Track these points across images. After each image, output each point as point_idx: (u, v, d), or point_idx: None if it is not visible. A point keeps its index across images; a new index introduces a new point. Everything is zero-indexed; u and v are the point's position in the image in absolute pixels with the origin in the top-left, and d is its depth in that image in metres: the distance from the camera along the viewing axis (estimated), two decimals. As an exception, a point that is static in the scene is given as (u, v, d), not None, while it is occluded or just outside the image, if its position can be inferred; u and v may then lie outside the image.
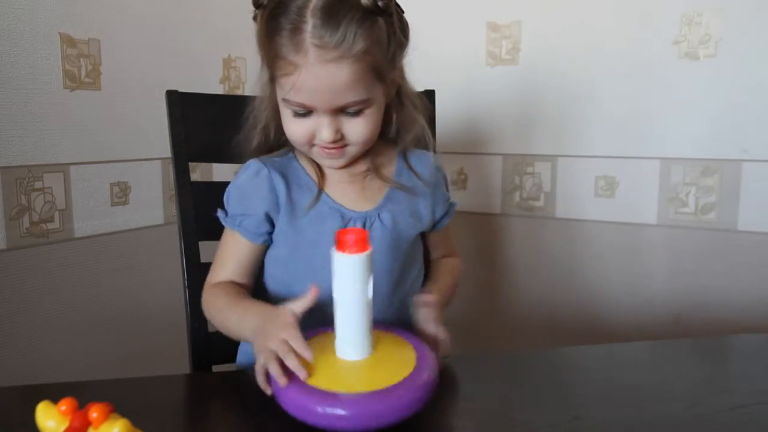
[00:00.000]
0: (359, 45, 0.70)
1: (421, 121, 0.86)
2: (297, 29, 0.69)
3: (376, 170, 0.83)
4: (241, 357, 0.90)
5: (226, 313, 0.76)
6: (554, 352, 0.94)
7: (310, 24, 0.69)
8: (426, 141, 0.88)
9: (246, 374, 0.85)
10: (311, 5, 0.69)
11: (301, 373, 0.59)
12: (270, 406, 0.62)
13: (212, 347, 0.95)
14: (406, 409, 0.58)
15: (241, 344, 0.90)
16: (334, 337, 0.64)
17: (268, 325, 0.66)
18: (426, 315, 0.76)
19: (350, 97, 0.73)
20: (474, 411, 0.66)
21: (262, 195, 0.80)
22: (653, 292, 1.53)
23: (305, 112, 0.74)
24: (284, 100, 0.75)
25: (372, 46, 0.71)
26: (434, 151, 0.90)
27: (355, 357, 0.63)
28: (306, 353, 0.61)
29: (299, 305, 0.67)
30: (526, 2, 1.59)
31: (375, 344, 0.64)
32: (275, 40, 0.71)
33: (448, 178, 1.69)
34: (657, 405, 0.67)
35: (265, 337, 0.64)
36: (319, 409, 0.57)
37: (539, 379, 0.76)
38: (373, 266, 0.62)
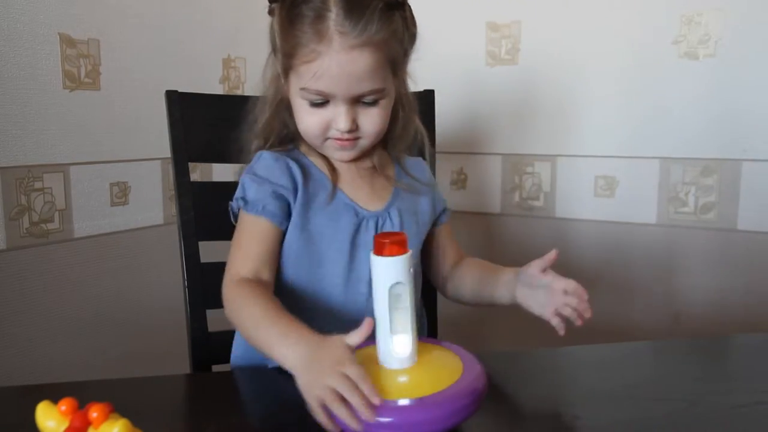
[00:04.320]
0: (380, 34, 0.72)
1: (417, 122, 0.88)
2: (321, 17, 0.71)
3: (380, 169, 0.86)
4: (235, 359, 0.88)
5: (262, 325, 0.68)
6: (554, 351, 0.94)
7: (333, 12, 0.71)
8: (421, 142, 0.89)
9: (244, 374, 0.85)
10: None
11: (368, 414, 0.54)
12: (269, 405, 0.62)
13: (212, 347, 0.95)
14: (451, 418, 0.56)
15: (234, 344, 0.88)
16: (375, 349, 0.61)
17: (321, 356, 0.59)
18: (551, 275, 0.79)
19: (368, 86, 0.74)
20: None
21: (283, 180, 0.79)
22: (653, 291, 1.53)
23: (322, 101, 0.75)
24: (302, 89, 0.75)
25: (390, 37, 0.74)
26: (429, 150, 0.92)
27: (399, 365, 0.60)
28: (374, 397, 0.54)
29: (355, 338, 0.60)
30: (526, 2, 1.59)
31: (419, 354, 0.61)
32: (297, 28, 0.73)
33: (448, 178, 1.71)
34: (657, 404, 0.67)
35: (319, 371, 0.57)
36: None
37: (539, 379, 0.76)
38: (413, 269, 0.60)
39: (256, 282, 0.75)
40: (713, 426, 0.62)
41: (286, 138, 0.84)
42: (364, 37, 0.71)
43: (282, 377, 0.77)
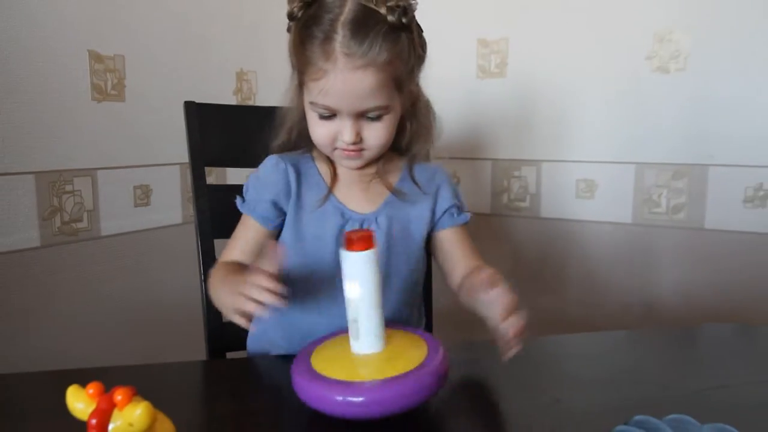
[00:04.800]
0: (383, 56, 0.70)
1: (433, 133, 0.86)
2: (328, 39, 0.70)
3: (381, 175, 0.83)
4: (252, 344, 0.89)
5: (215, 286, 0.76)
6: (538, 340, 0.93)
7: (340, 34, 0.70)
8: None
9: (257, 361, 0.85)
10: (342, 18, 0.70)
11: (269, 298, 0.61)
12: (280, 389, 0.62)
13: (227, 336, 0.95)
14: (417, 394, 0.57)
15: (250, 332, 0.90)
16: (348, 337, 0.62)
17: (240, 280, 0.65)
18: (493, 293, 0.65)
19: (371, 103, 0.73)
20: (464, 394, 0.66)
21: (277, 185, 0.81)
22: (628, 284, 1.53)
23: (329, 115, 0.75)
24: (311, 103, 0.75)
25: (394, 58, 0.72)
26: (428, 158, 0.89)
27: (369, 350, 0.61)
28: (272, 282, 0.61)
29: (266, 264, 0.65)
30: (513, 21, 1.59)
31: (388, 340, 0.62)
32: (307, 48, 0.72)
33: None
34: (631, 388, 0.67)
35: (233, 290, 0.64)
36: (338, 398, 0.56)
37: (525, 365, 0.76)
38: (379, 264, 0.61)
39: (231, 261, 0.82)
40: (683, 407, 0.62)
41: (305, 141, 0.84)
42: (367, 59, 0.70)
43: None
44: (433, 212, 0.85)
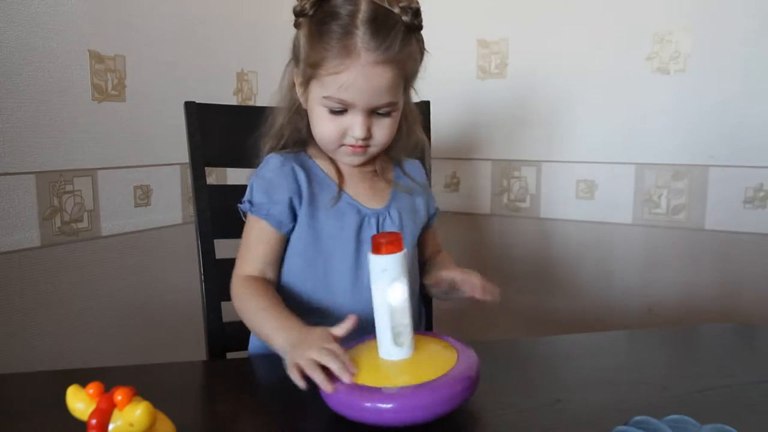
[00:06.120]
0: (401, 54, 0.73)
1: (419, 132, 0.88)
2: (349, 34, 0.71)
3: (381, 172, 0.85)
4: (253, 347, 0.89)
5: (263, 316, 0.72)
6: (539, 340, 0.93)
7: (360, 30, 0.71)
8: (422, 149, 0.91)
9: (257, 361, 0.85)
10: (360, 15, 0.71)
11: (345, 376, 0.57)
12: (278, 389, 0.62)
13: (227, 336, 0.95)
14: (447, 402, 0.55)
15: (252, 334, 0.89)
16: (376, 343, 0.61)
17: (307, 338, 0.63)
18: (453, 273, 0.81)
19: (386, 99, 0.75)
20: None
21: (288, 185, 0.79)
22: (628, 285, 1.52)
23: (341, 110, 0.75)
24: (326, 97, 0.75)
25: (408, 57, 0.75)
26: (429, 157, 0.91)
27: (398, 357, 0.60)
28: (351, 366, 0.58)
29: (338, 330, 0.64)
30: (513, 21, 1.59)
31: (417, 345, 0.61)
32: (326, 42, 0.72)
33: (442, 182, 1.71)
34: (632, 388, 0.67)
35: (303, 348, 0.61)
36: (367, 404, 0.54)
37: (525, 365, 0.76)
38: (408, 266, 0.60)
39: (260, 279, 0.79)
40: (684, 407, 0.62)
41: (297, 141, 0.84)
42: (387, 55, 0.71)
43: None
44: (428, 208, 0.91)
